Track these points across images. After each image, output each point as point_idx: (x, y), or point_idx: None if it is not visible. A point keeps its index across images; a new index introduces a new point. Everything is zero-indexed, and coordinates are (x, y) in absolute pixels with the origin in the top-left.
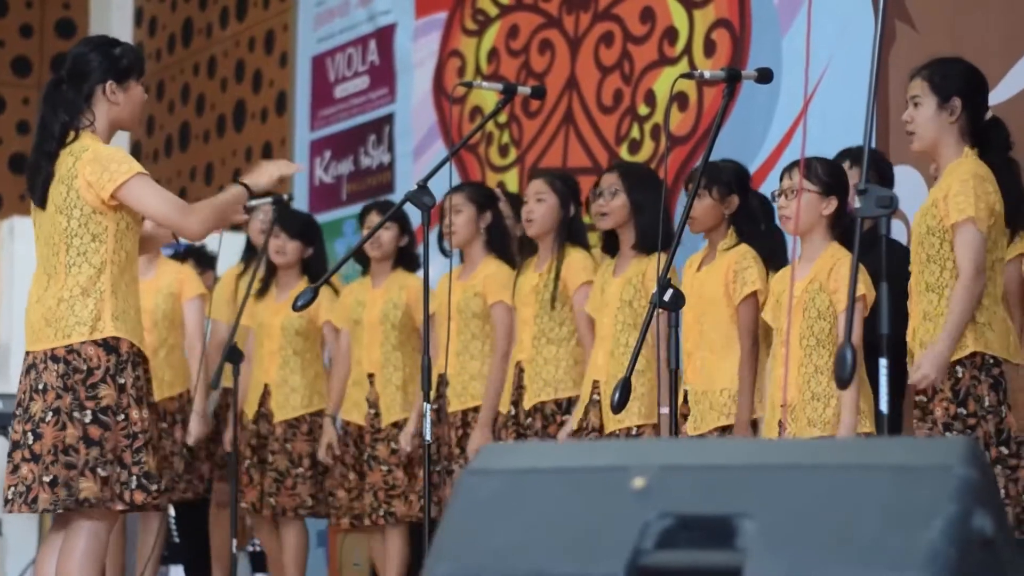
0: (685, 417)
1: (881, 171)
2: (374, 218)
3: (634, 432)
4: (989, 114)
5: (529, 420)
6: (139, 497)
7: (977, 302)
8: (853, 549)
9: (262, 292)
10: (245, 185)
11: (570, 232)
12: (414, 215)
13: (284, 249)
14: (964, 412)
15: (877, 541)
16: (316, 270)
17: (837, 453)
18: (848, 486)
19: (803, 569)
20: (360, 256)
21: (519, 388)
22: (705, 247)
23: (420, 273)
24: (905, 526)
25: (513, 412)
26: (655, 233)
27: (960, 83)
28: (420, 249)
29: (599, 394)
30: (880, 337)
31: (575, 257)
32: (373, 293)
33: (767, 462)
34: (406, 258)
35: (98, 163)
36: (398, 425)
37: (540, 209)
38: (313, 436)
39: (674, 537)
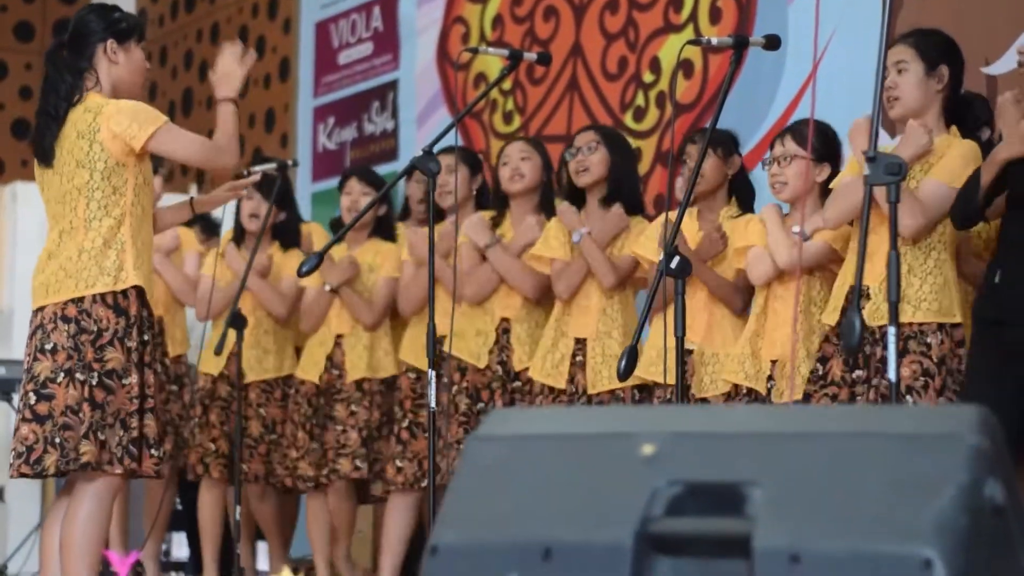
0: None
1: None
2: (354, 183)
3: (619, 394)
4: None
5: (519, 383)
6: (127, 463)
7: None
8: (863, 517)
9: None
10: (230, 100)
11: (547, 197)
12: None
13: (258, 211)
14: (929, 372)
15: (887, 509)
16: (286, 236)
17: (847, 421)
18: (858, 454)
19: (812, 537)
20: (337, 224)
21: (506, 348)
22: (697, 211)
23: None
24: (916, 494)
25: (500, 372)
26: (631, 196)
27: (946, 52)
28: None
29: (583, 354)
30: (891, 305)
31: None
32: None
33: (777, 430)
34: (383, 227)
35: (124, 114)
36: (360, 385)
37: (527, 167)
38: (286, 403)
39: (683, 504)
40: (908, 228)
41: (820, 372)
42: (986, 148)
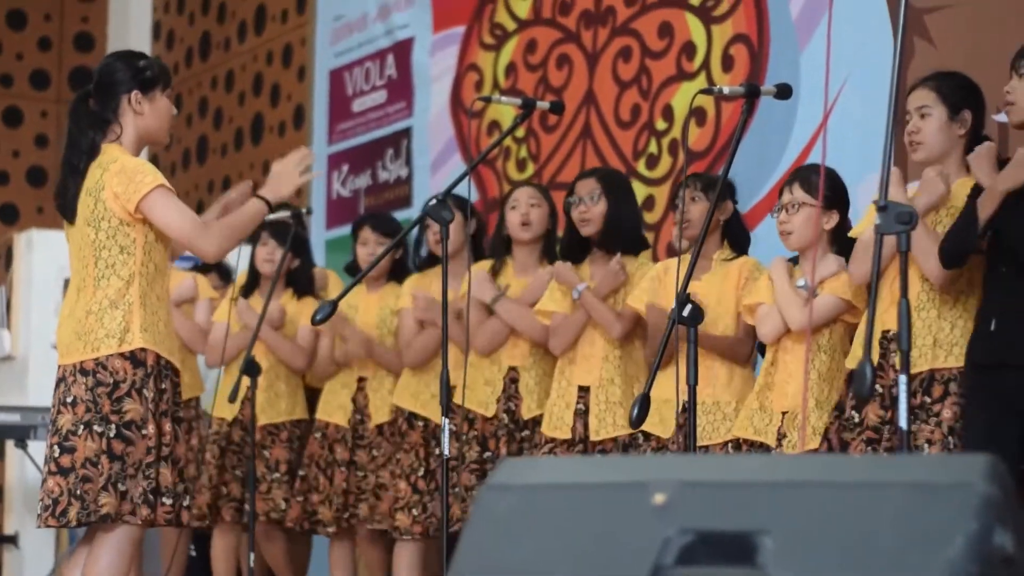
0: None
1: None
2: (367, 232)
3: (619, 441)
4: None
5: (527, 432)
6: (144, 512)
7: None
8: (873, 566)
9: (246, 297)
10: (266, 200)
11: (551, 245)
12: None
13: (272, 257)
14: None
15: (897, 558)
16: (300, 283)
17: (857, 470)
18: (868, 503)
19: None
20: (351, 268)
21: (513, 397)
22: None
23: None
24: (926, 543)
25: (506, 421)
26: (635, 238)
27: (969, 96)
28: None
29: (585, 404)
30: (902, 354)
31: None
32: (367, 298)
33: (788, 479)
34: (400, 271)
35: (124, 175)
36: (381, 429)
37: (535, 215)
38: (291, 444)
39: (694, 553)
40: (935, 274)
41: (856, 419)
42: None
